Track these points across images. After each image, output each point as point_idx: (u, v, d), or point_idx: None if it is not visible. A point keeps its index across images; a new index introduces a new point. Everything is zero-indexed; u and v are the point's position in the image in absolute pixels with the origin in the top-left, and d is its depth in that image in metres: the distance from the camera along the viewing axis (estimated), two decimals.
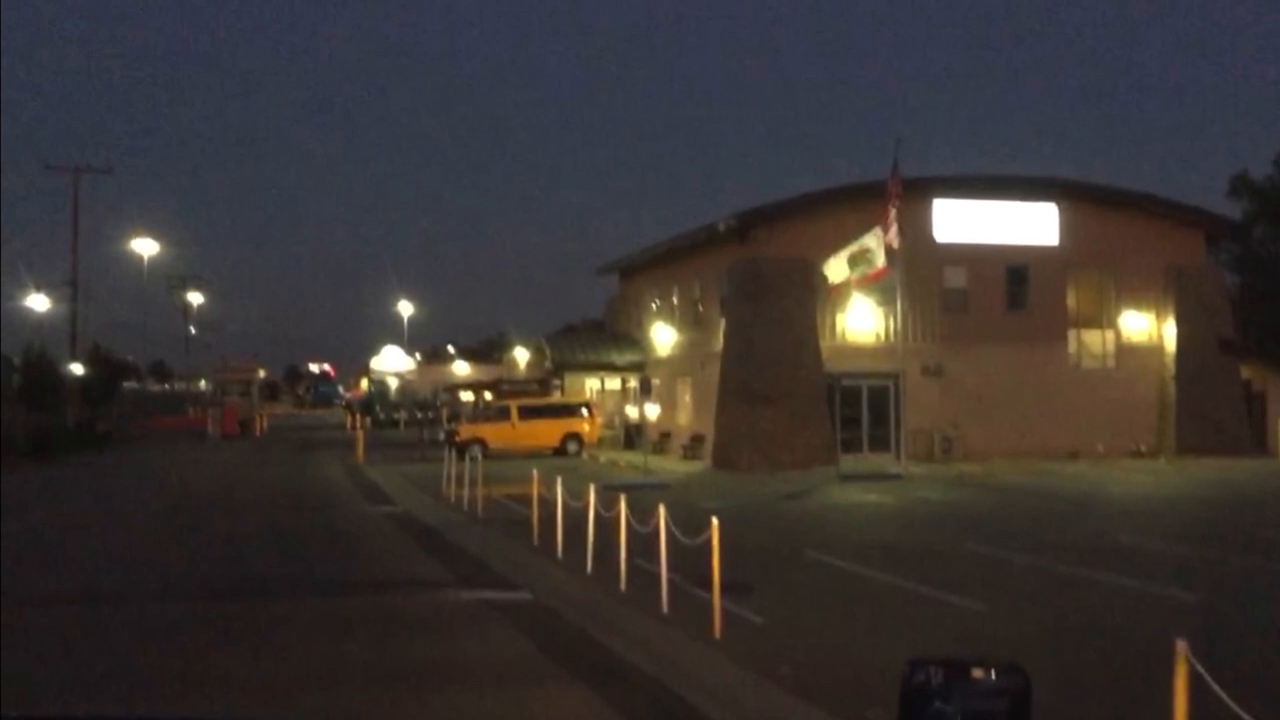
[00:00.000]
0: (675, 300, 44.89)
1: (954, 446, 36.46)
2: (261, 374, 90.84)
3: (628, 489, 22.01)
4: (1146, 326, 39.48)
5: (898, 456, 33.99)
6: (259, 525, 23.22)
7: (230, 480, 35.50)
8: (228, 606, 14.09)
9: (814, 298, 35.71)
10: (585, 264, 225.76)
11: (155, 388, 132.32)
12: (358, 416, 70.45)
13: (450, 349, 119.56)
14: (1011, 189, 38.47)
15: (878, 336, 36.84)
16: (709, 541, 11.47)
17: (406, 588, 15.36)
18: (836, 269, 33.00)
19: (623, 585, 13.85)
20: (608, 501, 15.57)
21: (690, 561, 13.11)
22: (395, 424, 77.18)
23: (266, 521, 23.93)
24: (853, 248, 32.39)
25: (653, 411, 40.33)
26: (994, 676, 2.64)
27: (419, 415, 70.41)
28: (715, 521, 11.37)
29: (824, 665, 10.20)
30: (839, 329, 36.84)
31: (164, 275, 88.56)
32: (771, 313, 35.52)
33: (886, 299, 35.10)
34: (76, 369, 58.95)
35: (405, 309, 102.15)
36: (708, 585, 11.61)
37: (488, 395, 62.94)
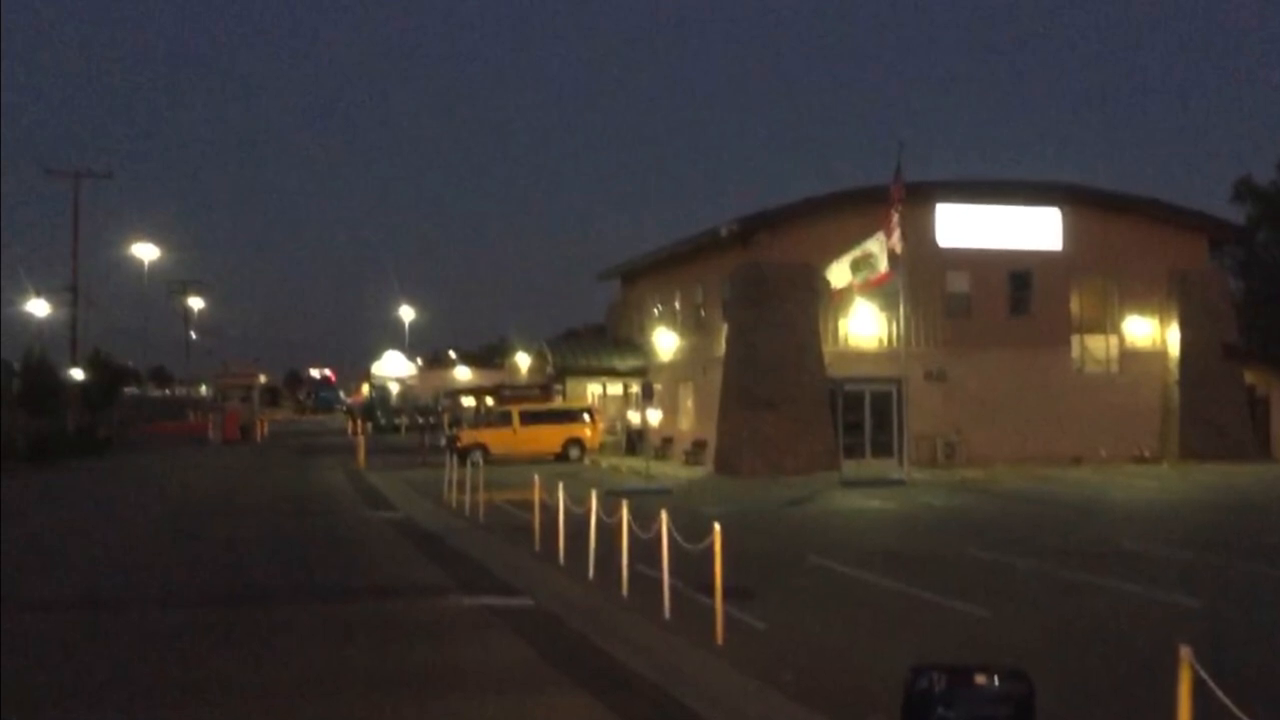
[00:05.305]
0: (677, 305, 44.88)
1: (957, 452, 36.43)
2: (262, 379, 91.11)
3: (630, 494, 22.01)
4: (1150, 331, 39.45)
5: (900, 462, 33.96)
6: (260, 531, 23.20)
7: (231, 485, 35.50)
8: (228, 612, 14.07)
9: (816, 302, 35.69)
10: (587, 269, 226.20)
11: (156, 393, 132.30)
12: (359, 422, 70.50)
13: (452, 354, 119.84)
14: (1015, 193, 38.46)
15: (880, 341, 36.82)
16: (711, 547, 11.44)
17: (408, 593, 15.31)
18: (839, 274, 32.96)
19: (625, 591, 13.83)
20: (610, 507, 15.53)
21: (692, 567, 13.09)
22: (396, 429, 77.28)
23: (267, 527, 23.93)
24: (855, 252, 32.37)
25: (655, 417, 40.32)
26: (997, 682, 2.62)
27: (420, 420, 70.54)
28: (717, 527, 11.34)
29: (827, 671, 10.18)
30: (841, 334, 36.81)
31: (165, 280, 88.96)
32: (774, 318, 35.50)
33: (889, 304, 35.10)
34: (77, 374, 58.95)
35: (406, 314, 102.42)
36: (710, 591, 11.58)
37: (489, 400, 63.12)
